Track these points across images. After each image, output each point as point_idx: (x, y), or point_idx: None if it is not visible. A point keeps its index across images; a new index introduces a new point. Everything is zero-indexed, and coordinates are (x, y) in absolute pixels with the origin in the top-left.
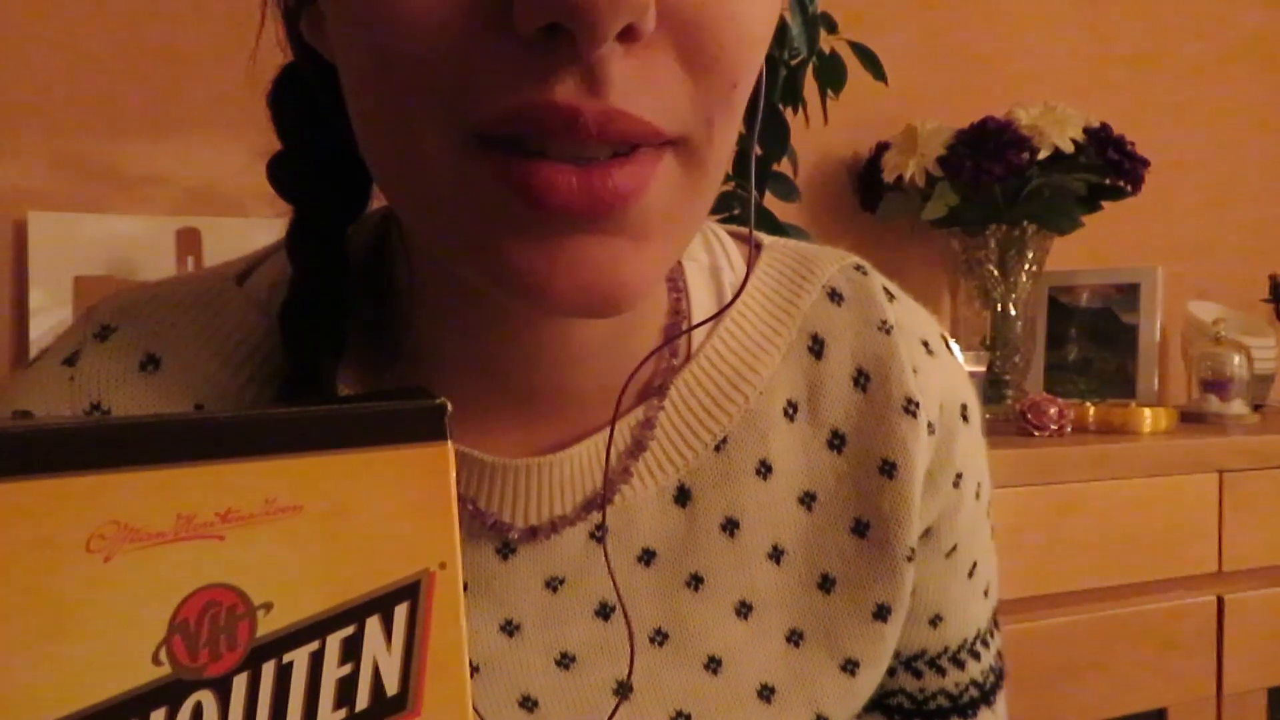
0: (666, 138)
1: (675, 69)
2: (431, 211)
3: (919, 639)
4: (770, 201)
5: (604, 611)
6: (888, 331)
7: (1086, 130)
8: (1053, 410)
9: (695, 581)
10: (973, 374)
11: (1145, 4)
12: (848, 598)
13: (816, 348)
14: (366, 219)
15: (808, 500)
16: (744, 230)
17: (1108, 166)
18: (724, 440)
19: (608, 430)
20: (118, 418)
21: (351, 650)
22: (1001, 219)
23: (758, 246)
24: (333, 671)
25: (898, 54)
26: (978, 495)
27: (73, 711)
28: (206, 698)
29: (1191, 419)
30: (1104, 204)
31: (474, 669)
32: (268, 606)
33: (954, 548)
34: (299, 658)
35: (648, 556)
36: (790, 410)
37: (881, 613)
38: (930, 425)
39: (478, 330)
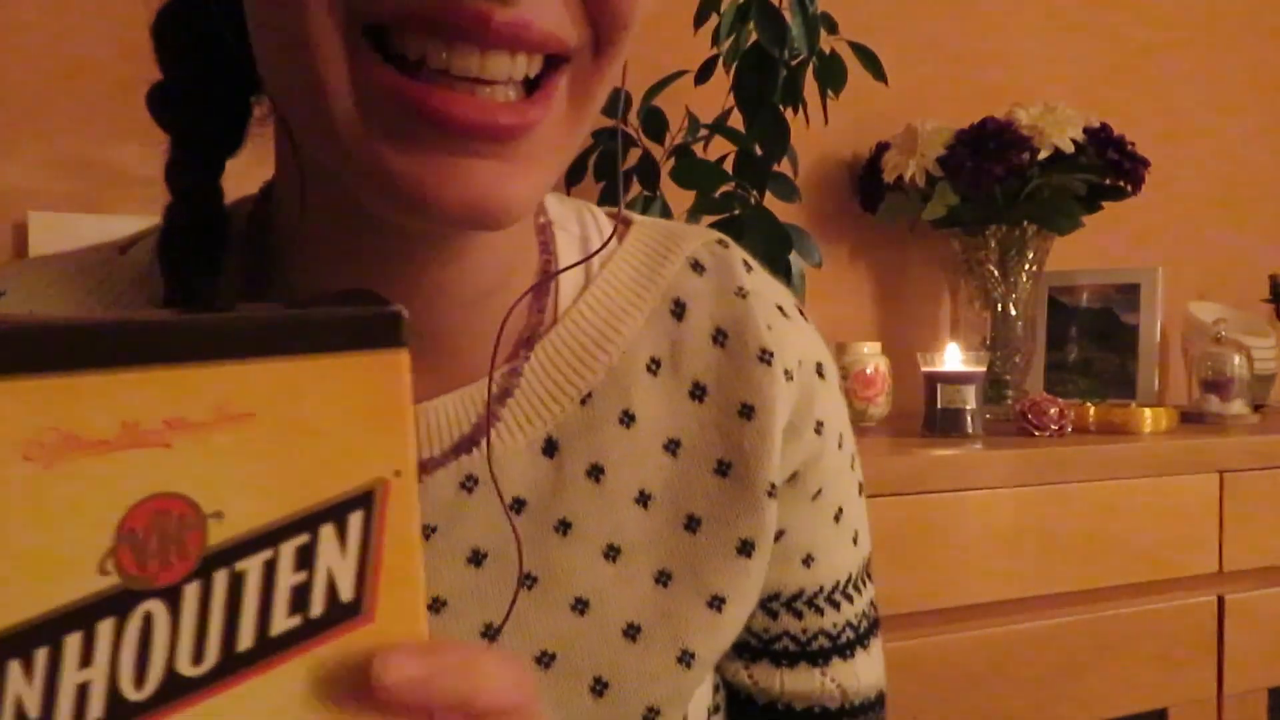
0: (568, 51)
1: None
2: (319, 115)
3: (795, 579)
4: (770, 201)
5: (476, 558)
6: (744, 296)
7: (1086, 130)
8: (1053, 410)
9: (563, 527)
10: (973, 374)
11: (1145, 4)
12: (713, 535)
13: (678, 311)
14: (244, 201)
15: (672, 447)
16: (616, 210)
17: (1108, 166)
18: (589, 395)
19: (476, 381)
20: (57, 318)
21: (305, 558)
22: (1001, 219)
23: (626, 221)
24: (286, 579)
25: (898, 54)
26: (840, 445)
27: (13, 624)
28: (157, 607)
29: (1192, 419)
30: (1104, 204)
31: None
32: (219, 515)
33: (819, 491)
34: (252, 566)
35: (518, 505)
36: (653, 365)
37: (745, 548)
38: (788, 372)
39: (353, 268)
